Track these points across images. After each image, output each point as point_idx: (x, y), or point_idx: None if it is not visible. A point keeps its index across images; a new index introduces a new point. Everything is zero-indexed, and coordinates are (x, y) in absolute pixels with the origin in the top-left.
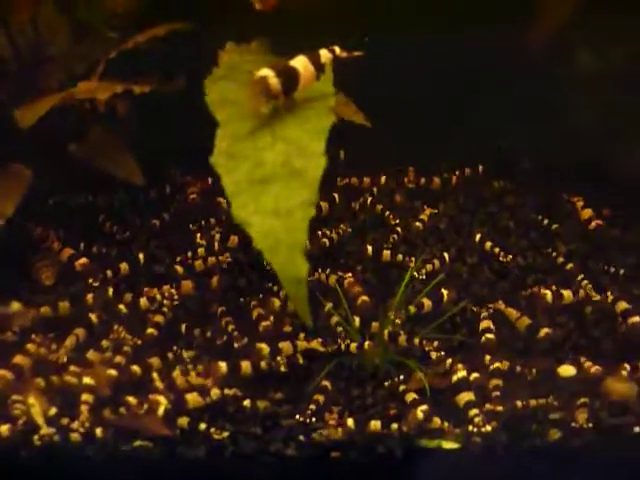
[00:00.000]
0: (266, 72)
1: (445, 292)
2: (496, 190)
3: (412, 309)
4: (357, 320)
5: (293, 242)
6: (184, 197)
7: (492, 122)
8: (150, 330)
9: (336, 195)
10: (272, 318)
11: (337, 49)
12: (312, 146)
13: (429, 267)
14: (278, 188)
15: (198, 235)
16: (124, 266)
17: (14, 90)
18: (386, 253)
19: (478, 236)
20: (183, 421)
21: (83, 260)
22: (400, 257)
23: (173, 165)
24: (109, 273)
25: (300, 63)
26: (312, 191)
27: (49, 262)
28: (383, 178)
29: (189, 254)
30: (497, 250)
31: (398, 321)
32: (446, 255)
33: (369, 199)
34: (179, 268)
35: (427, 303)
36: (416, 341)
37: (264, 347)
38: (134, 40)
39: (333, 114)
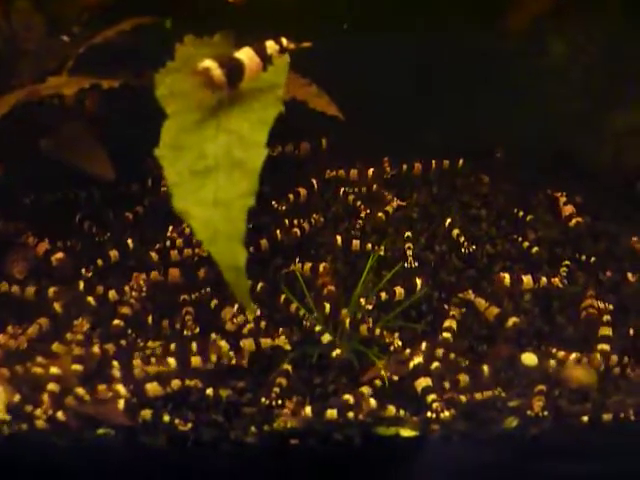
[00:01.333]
0: (209, 63)
1: (416, 280)
2: (472, 181)
3: (383, 296)
4: (325, 309)
5: (232, 232)
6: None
7: (469, 112)
8: (117, 321)
9: (312, 184)
10: (237, 308)
11: (284, 40)
12: (254, 136)
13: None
14: (219, 179)
15: (170, 228)
16: (100, 259)
17: None
18: (355, 243)
19: (450, 227)
20: (145, 410)
21: (58, 254)
22: (370, 247)
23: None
24: (84, 266)
25: (245, 54)
26: (252, 181)
27: (21, 256)
28: (357, 169)
29: (165, 247)
30: (465, 239)
31: (366, 308)
32: (417, 244)
33: (342, 189)
34: (154, 260)
35: (399, 291)
36: (378, 330)
37: (228, 336)
38: (103, 35)
39: (280, 105)
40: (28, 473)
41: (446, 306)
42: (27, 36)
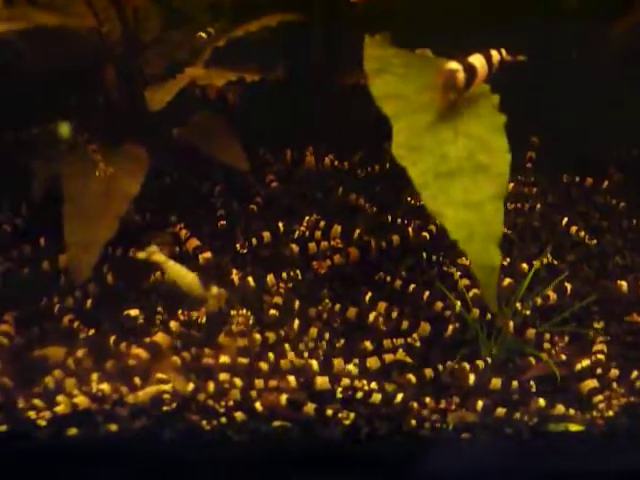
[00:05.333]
0: (455, 66)
1: (569, 286)
2: (586, 189)
3: (538, 300)
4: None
5: (488, 233)
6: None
7: (579, 121)
8: (272, 311)
9: None
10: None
11: (504, 51)
12: (495, 142)
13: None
14: (464, 181)
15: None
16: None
17: (119, 73)
18: None
19: (575, 234)
20: (312, 403)
21: (206, 254)
22: None
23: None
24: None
25: (478, 60)
26: (501, 185)
27: (162, 241)
28: None
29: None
30: (595, 248)
31: (525, 312)
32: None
33: None
34: (294, 251)
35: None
36: (538, 333)
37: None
38: (244, 28)
39: (500, 112)
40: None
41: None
42: (146, 27)
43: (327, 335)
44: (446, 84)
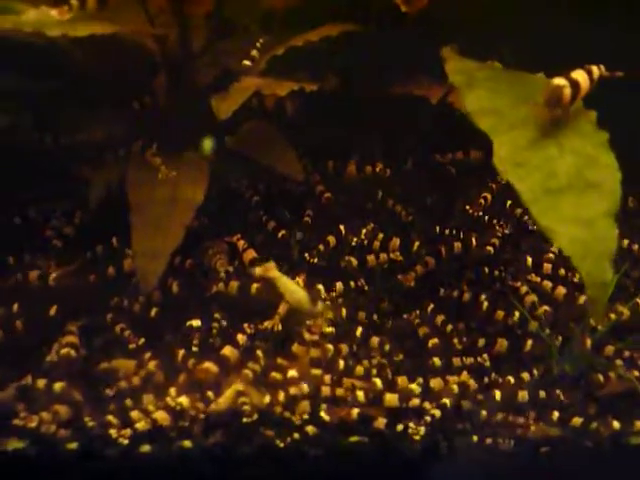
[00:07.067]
0: (563, 82)
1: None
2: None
3: (613, 317)
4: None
5: (602, 250)
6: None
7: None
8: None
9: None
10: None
11: (602, 67)
12: (603, 159)
13: None
14: (574, 198)
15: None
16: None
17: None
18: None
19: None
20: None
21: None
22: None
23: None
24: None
25: (580, 76)
26: (613, 202)
27: (221, 250)
28: None
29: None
30: None
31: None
32: None
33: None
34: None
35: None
36: (617, 349)
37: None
38: (304, 38)
39: (599, 128)
40: None
41: None
42: (198, 35)
43: (389, 347)
44: (551, 100)
